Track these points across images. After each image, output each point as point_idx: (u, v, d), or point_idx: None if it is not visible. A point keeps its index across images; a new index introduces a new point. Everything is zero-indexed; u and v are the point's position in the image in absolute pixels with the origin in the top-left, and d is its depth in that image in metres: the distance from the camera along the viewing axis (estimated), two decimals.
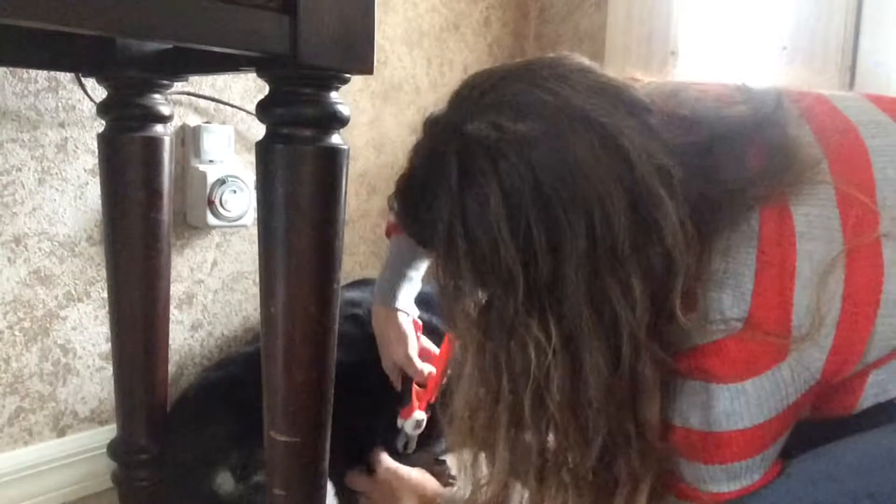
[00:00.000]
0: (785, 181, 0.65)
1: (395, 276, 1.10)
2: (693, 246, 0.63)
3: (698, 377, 0.65)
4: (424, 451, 1.16)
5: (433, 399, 1.11)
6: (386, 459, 1.10)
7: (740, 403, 0.64)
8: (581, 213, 0.61)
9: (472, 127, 0.65)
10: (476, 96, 0.67)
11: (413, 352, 1.08)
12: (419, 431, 1.13)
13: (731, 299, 0.64)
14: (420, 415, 1.11)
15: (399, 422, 1.12)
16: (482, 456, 0.74)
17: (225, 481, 1.02)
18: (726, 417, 0.65)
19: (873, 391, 0.68)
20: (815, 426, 0.71)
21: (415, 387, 1.11)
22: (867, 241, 0.64)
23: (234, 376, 1.13)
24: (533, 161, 0.62)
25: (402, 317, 1.08)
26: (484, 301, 0.68)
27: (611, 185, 0.61)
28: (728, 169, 0.65)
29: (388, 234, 1.14)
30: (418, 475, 1.07)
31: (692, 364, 0.66)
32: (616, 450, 0.66)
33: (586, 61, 0.69)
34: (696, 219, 0.63)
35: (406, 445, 1.14)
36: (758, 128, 0.67)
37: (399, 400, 1.12)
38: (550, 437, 0.68)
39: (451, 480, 1.14)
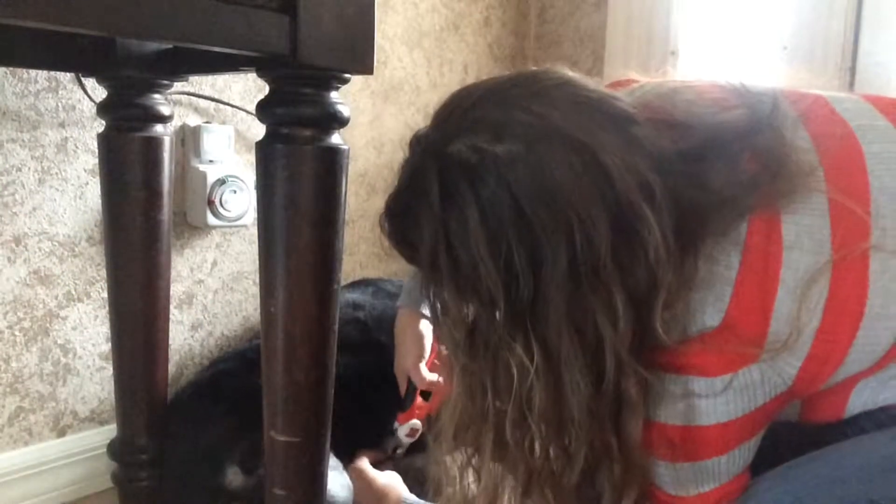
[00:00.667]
0: (778, 188, 0.64)
1: None
2: (676, 261, 0.62)
3: (672, 371, 0.66)
4: (414, 457, 1.15)
5: (433, 412, 1.11)
6: (361, 461, 1.10)
7: (712, 400, 0.64)
8: (562, 234, 0.61)
9: (453, 148, 0.64)
10: (457, 116, 0.67)
11: (423, 360, 1.08)
12: (412, 440, 1.13)
13: (711, 305, 0.64)
14: (416, 423, 1.12)
15: (395, 425, 1.12)
16: (468, 471, 0.75)
17: (235, 475, 1.02)
18: (699, 412, 0.65)
19: (861, 400, 0.68)
20: (803, 431, 0.71)
21: (418, 396, 1.11)
22: (855, 253, 0.63)
23: (228, 371, 1.13)
24: (511, 183, 0.62)
25: (423, 323, 1.09)
26: (469, 321, 0.68)
27: (592, 205, 0.61)
28: (720, 176, 0.65)
29: None
30: (385, 480, 1.06)
31: (668, 359, 0.66)
32: (599, 464, 0.67)
33: (569, 73, 0.69)
34: (683, 228, 0.63)
35: (396, 449, 1.13)
36: (753, 132, 0.66)
37: (401, 403, 1.12)
38: (536, 453, 0.69)
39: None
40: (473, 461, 0.74)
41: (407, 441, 1.13)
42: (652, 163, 0.63)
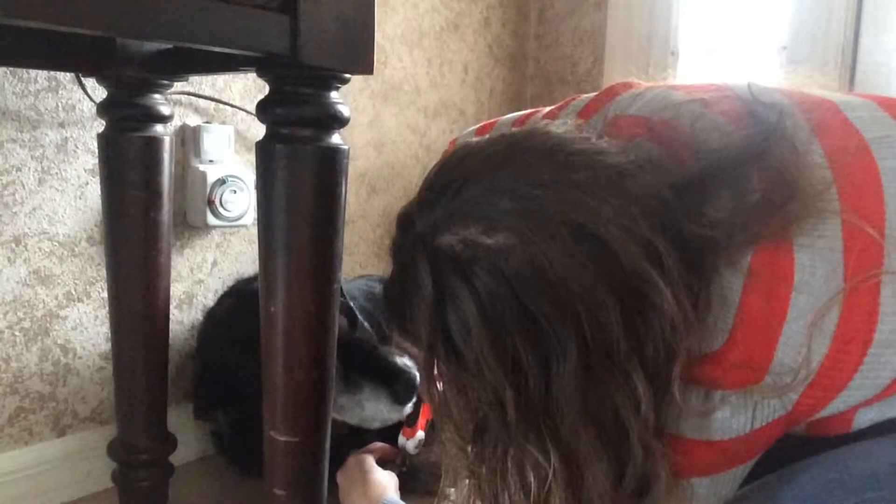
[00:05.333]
0: (790, 212, 0.61)
1: None
2: (692, 318, 0.60)
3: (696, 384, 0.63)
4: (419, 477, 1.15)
5: (431, 416, 1.12)
6: (368, 453, 1.09)
7: (713, 416, 0.62)
8: (569, 323, 0.58)
9: (443, 241, 0.61)
10: (445, 202, 0.63)
11: None
12: (418, 452, 1.14)
13: (714, 329, 0.61)
14: (421, 435, 1.13)
15: (401, 440, 1.13)
16: None
17: None
18: (714, 427, 0.63)
19: (867, 417, 0.66)
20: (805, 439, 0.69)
21: (424, 406, 1.12)
22: (868, 281, 0.61)
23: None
24: (509, 276, 0.58)
25: None
26: (474, 421, 0.65)
27: (596, 286, 0.58)
28: (727, 205, 0.61)
29: None
30: (381, 477, 1.04)
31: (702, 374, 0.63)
32: None
33: (553, 131, 0.65)
34: (696, 269, 0.60)
35: (404, 463, 1.14)
36: (763, 150, 0.62)
37: (407, 419, 1.13)
38: None
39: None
40: None
41: (415, 453, 1.13)
42: (654, 219, 0.59)
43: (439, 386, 0.67)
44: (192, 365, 1.26)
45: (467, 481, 0.68)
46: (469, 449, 0.65)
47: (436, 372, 0.66)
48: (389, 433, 1.14)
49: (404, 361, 1.11)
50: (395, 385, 1.09)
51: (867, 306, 0.61)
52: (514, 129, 0.72)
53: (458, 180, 0.63)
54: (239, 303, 1.20)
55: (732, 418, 0.62)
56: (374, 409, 1.11)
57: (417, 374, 1.11)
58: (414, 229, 0.65)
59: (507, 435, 0.62)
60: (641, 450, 0.60)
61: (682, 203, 0.61)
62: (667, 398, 0.61)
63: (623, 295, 0.58)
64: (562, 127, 0.66)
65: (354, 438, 1.14)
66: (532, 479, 0.62)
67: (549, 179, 0.61)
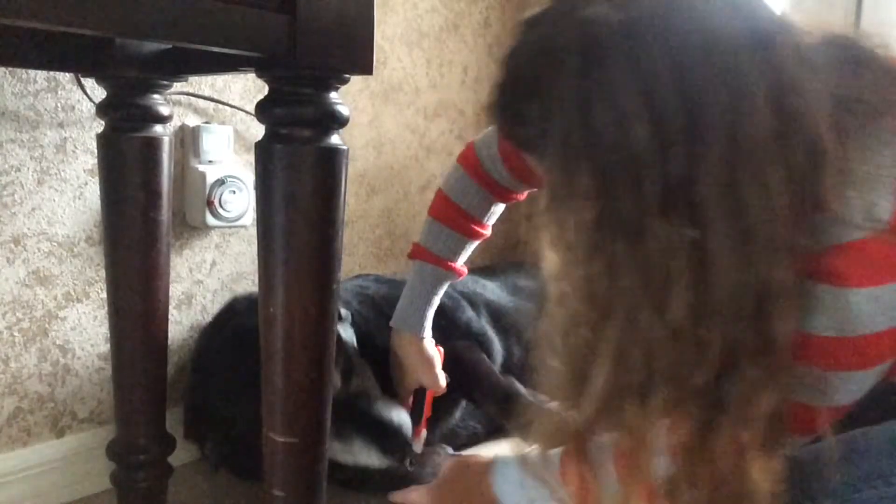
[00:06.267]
0: None
1: (423, 303, 1.12)
2: (842, 138, 0.57)
3: (827, 280, 0.60)
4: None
5: (430, 415, 1.16)
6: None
7: (875, 307, 0.59)
8: (725, 96, 0.55)
9: (591, 11, 0.58)
10: None
11: (440, 374, 1.13)
12: (422, 451, 1.16)
13: (877, 199, 0.58)
14: (424, 433, 1.16)
15: (409, 439, 1.14)
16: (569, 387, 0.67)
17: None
18: (862, 321, 0.60)
19: None
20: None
21: (427, 404, 1.15)
22: None
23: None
24: (670, 38, 0.55)
25: (428, 343, 1.13)
26: (602, 202, 0.60)
27: (754, 65, 0.55)
28: (875, 57, 0.60)
29: (411, 256, 1.15)
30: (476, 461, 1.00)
31: (821, 266, 0.60)
32: (736, 367, 0.60)
33: None
34: (849, 101, 0.59)
35: (412, 462, 1.14)
36: None
37: (411, 417, 1.15)
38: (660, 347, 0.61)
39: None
40: (582, 369, 0.64)
41: (420, 451, 1.15)
42: (804, 39, 0.58)
43: (554, 176, 0.63)
44: (184, 394, 1.23)
45: (576, 282, 0.63)
46: (594, 229, 0.61)
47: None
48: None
49: (399, 416, 1.14)
50: (387, 441, 1.12)
51: None
52: None
53: None
54: (234, 341, 1.16)
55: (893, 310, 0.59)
56: (366, 460, 1.12)
57: (410, 425, 1.14)
58: (551, 13, 0.62)
59: (640, 211, 0.58)
60: (768, 247, 0.57)
61: (829, 46, 0.60)
62: (806, 209, 0.57)
63: (775, 84, 0.56)
64: None
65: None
66: (658, 261, 0.58)
67: None
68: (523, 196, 1.11)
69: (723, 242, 0.57)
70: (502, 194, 1.10)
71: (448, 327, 1.24)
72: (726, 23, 0.57)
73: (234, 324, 1.18)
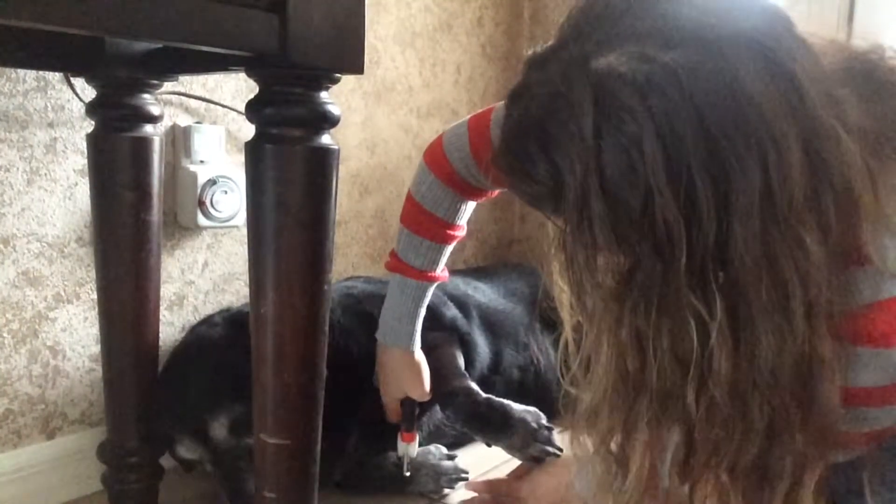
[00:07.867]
0: None
1: (411, 318, 1.11)
2: (873, 185, 0.54)
3: (869, 342, 0.58)
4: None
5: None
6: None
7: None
8: (755, 156, 0.52)
9: (608, 61, 0.54)
10: (607, 24, 0.56)
11: (427, 383, 1.13)
12: (416, 455, 1.15)
13: None
14: (418, 439, 1.15)
15: (400, 446, 1.13)
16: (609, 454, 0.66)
17: (220, 430, 1.04)
18: None
19: None
20: None
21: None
22: None
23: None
24: (695, 95, 0.51)
25: (417, 354, 1.12)
26: (626, 269, 0.57)
27: (784, 121, 0.52)
28: (893, 82, 0.58)
29: (390, 268, 1.12)
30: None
31: (861, 327, 0.58)
32: (781, 438, 0.57)
33: None
34: (878, 141, 0.56)
35: (405, 468, 1.14)
36: None
37: (404, 425, 1.14)
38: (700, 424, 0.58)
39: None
40: (615, 441, 0.63)
41: (414, 456, 1.14)
42: (830, 75, 0.56)
43: (570, 241, 0.59)
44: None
45: (605, 351, 0.60)
46: (617, 300, 0.58)
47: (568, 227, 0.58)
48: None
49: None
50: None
51: None
52: None
53: (618, 6, 0.57)
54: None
55: None
56: None
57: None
58: (561, 58, 0.58)
59: (668, 282, 0.55)
60: (807, 313, 0.54)
61: (854, 79, 0.58)
62: (839, 267, 0.55)
63: (806, 140, 0.53)
64: None
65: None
66: (693, 335, 0.55)
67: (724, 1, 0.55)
68: (496, 193, 1.09)
69: (760, 315, 0.54)
70: (476, 195, 1.07)
71: (433, 326, 1.22)
72: (752, 73, 0.53)
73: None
